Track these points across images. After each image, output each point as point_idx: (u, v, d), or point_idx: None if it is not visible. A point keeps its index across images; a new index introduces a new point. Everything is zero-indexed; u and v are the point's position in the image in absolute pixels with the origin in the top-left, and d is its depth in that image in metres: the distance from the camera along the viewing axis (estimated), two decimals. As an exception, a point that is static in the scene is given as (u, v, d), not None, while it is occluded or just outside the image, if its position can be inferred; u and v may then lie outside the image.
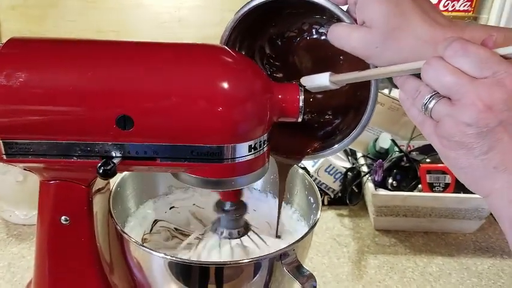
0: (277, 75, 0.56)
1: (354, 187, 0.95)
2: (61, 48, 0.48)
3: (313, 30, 0.53)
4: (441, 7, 1.03)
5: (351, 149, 1.02)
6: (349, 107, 0.54)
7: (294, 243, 0.52)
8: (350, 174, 0.96)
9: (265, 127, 0.49)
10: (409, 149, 0.97)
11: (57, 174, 0.51)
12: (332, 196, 0.98)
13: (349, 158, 1.02)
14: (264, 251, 0.58)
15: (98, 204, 0.56)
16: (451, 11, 1.03)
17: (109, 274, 0.59)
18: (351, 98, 0.53)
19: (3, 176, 0.79)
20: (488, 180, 0.39)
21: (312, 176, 0.95)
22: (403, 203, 0.88)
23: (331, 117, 0.55)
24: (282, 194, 0.59)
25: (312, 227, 0.55)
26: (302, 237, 0.53)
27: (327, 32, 0.47)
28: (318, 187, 0.95)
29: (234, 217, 0.56)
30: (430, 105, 0.40)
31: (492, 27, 0.45)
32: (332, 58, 0.51)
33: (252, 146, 0.48)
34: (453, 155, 0.40)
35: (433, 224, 0.91)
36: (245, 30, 0.51)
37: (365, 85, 0.48)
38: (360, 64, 0.46)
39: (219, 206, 0.56)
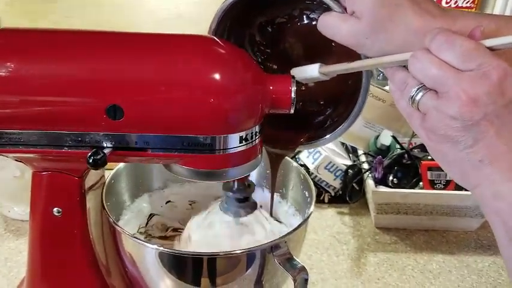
0: (268, 62, 0.56)
1: (354, 184, 0.94)
2: (51, 39, 0.48)
3: (304, 16, 0.53)
4: (444, 3, 1.02)
5: (352, 147, 1.01)
6: (341, 95, 0.53)
7: (285, 235, 0.52)
8: (351, 171, 0.95)
9: (256, 118, 0.48)
10: (410, 146, 0.96)
11: (48, 164, 0.51)
12: (332, 194, 0.97)
13: (350, 155, 1.01)
14: (267, 234, 0.58)
15: (91, 201, 0.55)
16: (454, 7, 1.02)
17: (106, 276, 0.58)
18: (342, 86, 0.53)
19: (0, 171, 0.80)
20: (474, 173, 0.39)
21: (311, 174, 0.94)
22: (403, 200, 0.87)
23: (322, 105, 0.55)
24: (274, 186, 0.58)
25: (304, 220, 0.55)
26: (294, 230, 0.53)
27: (318, 17, 0.47)
28: (318, 184, 0.96)
29: (241, 197, 0.56)
30: (417, 98, 0.40)
31: (484, 16, 0.45)
32: (324, 44, 0.51)
33: (243, 137, 0.48)
34: (439, 148, 0.40)
35: (434, 221, 0.90)
36: (234, 19, 0.51)
37: (356, 73, 0.48)
38: (352, 51, 0.45)
39: (226, 185, 0.56)
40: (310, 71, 0.48)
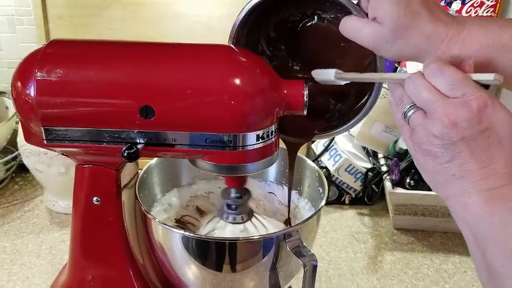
0: (282, 58, 0.60)
1: (373, 186, 0.99)
2: (94, 48, 0.55)
3: (316, 16, 0.57)
4: (464, 13, 1.05)
5: (372, 151, 1.05)
6: (349, 90, 0.58)
7: (297, 224, 0.57)
8: (370, 174, 0.99)
9: (272, 119, 0.54)
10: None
11: (89, 158, 0.58)
12: (353, 195, 1.02)
13: (370, 158, 1.05)
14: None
15: (125, 199, 0.62)
16: (474, 16, 1.05)
17: (140, 265, 0.65)
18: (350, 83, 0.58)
19: (47, 168, 0.88)
20: (447, 185, 0.44)
21: (332, 176, 0.99)
22: (420, 201, 0.91)
23: (334, 100, 0.60)
24: (291, 177, 0.63)
25: (315, 212, 0.60)
26: (305, 220, 0.58)
27: (329, 17, 0.52)
28: (339, 186, 1.00)
29: (238, 203, 0.62)
30: (409, 114, 0.46)
31: (489, 21, 0.50)
32: (334, 43, 0.56)
33: (260, 136, 0.53)
34: (422, 159, 0.46)
35: (451, 224, 0.92)
36: (253, 21, 0.56)
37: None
38: (359, 50, 0.51)
39: (224, 193, 0.62)
40: (327, 75, 0.54)
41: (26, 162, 0.92)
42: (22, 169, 1.02)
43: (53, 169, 0.88)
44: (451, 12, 1.05)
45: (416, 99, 0.45)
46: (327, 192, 0.64)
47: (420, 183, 0.93)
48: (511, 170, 0.42)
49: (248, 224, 0.63)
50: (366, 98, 0.57)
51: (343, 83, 0.54)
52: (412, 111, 0.46)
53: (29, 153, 0.88)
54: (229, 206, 0.62)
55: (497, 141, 0.42)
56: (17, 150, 0.96)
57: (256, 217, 0.64)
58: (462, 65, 0.45)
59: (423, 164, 0.46)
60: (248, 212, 0.63)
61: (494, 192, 0.42)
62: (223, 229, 0.63)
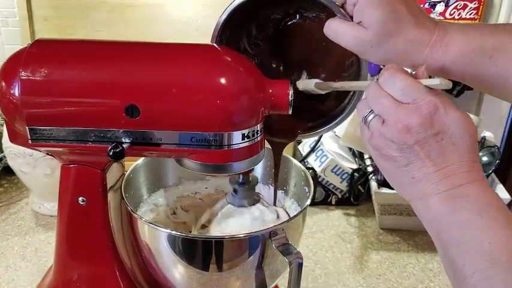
0: (263, 58, 0.61)
1: (359, 187, 0.99)
2: (79, 48, 0.55)
3: (298, 14, 0.58)
4: (447, 15, 1.07)
5: (358, 152, 1.06)
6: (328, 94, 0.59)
7: (283, 222, 0.57)
8: (356, 174, 1.00)
9: (257, 118, 0.54)
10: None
11: (75, 158, 0.58)
12: (339, 196, 1.02)
13: (356, 159, 1.06)
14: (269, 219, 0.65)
15: (111, 200, 0.62)
16: (458, 19, 1.07)
17: (132, 275, 0.65)
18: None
19: (33, 169, 0.88)
20: (408, 187, 0.46)
21: (319, 176, 0.99)
22: (405, 201, 0.90)
23: (317, 101, 0.60)
24: (277, 176, 0.64)
25: (301, 211, 0.60)
26: (291, 218, 0.58)
27: (311, 16, 0.52)
28: (326, 187, 1.01)
29: (246, 188, 0.63)
30: (368, 119, 0.47)
31: (469, 26, 0.51)
32: (316, 42, 0.57)
33: (246, 135, 0.54)
34: (382, 163, 0.47)
35: (436, 223, 0.94)
36: (235, 21, 0.56)
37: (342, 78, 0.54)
38: (341, 50, 0.52)
39: (233, 178, 0.64)
40: (308, 84, 0.56)
41: (11, 164, 0.91)
42: (7, 171, 1.02)
43: (38, 171, 0.87)
44: (434, 14, 1.07)
45: (373, 107, 0.47)
46: (312, 191, 0.64)
47: (405, 183, 0.93)
48: (466, 169, 0.44)
49: (253, 208, 0.65)
50: (349, 97, 0.58)
51: (323, 92, 0.55)
52: (371, 116, 0.47)
53: (14, 155, 0.87)
54: (235, 191, 0.64)
55: (451, 144, 0.44)
56: (2, 152, 0.95)
57: (262, 203, 0.65)
58: (416, 73, 0.46)
59: (384, 168, 0.47)
60: (254, 197, 0.65)
61: (452, 192, 0.43)
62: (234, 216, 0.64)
